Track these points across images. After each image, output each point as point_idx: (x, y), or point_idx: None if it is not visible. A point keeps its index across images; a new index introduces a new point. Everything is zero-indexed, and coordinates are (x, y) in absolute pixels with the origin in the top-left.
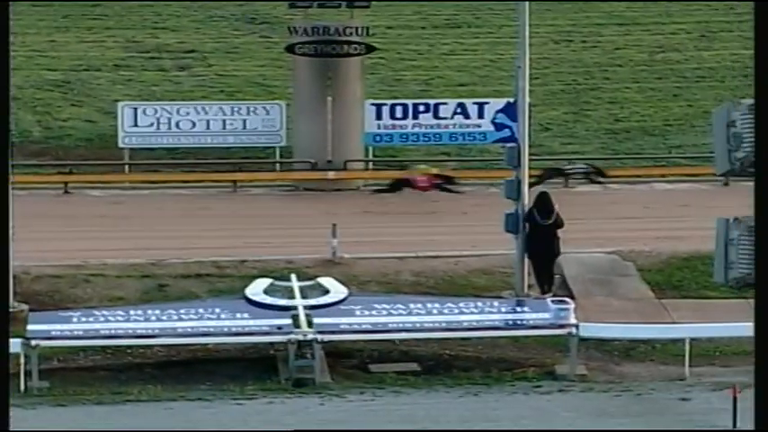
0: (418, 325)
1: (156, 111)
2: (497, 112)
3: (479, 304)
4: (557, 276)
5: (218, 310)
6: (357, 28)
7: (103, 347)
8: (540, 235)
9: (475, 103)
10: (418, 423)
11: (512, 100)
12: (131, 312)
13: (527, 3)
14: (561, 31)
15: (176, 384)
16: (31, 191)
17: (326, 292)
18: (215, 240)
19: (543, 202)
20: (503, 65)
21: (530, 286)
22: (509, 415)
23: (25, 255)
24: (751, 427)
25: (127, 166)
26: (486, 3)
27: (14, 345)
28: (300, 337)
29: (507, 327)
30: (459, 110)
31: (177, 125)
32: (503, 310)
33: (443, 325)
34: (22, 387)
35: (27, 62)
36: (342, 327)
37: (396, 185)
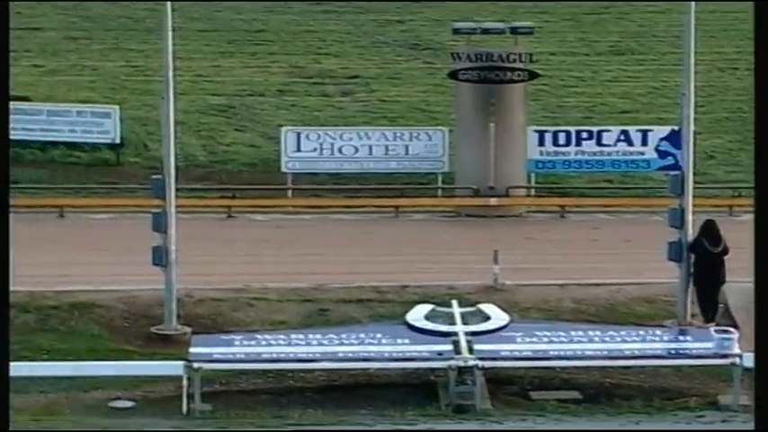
0: (579, 353)
1: (318, 136)
2: (661, 139)
3: (641, 333)
4: (720, 306)
5: (378, 336)
6: (520, 54)
7: (265, 371)
8: (707, 263)
9: (638, 131)
10: None
11: (676, 127)
12: (293, 336)
13: (692, 28)
14: (726, 59)
15: (337, 409)
16: (195, 214)
17: (487, 318)
18: (376, 265)
19: (711, 230)
20: (667, 92)
21: (693, 315)
22: None
23: (188, 278)
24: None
25: (289, 191)
26: (651, 30)
27: (177, 367)
28: (461, 364)
29: (670, 356)
30: (622, 137)
31: (340, 150)
32: (665, 338)
33: (605, 353)
34: (185, 409)
35: (192, 87)
36: (503, 353)
37: None
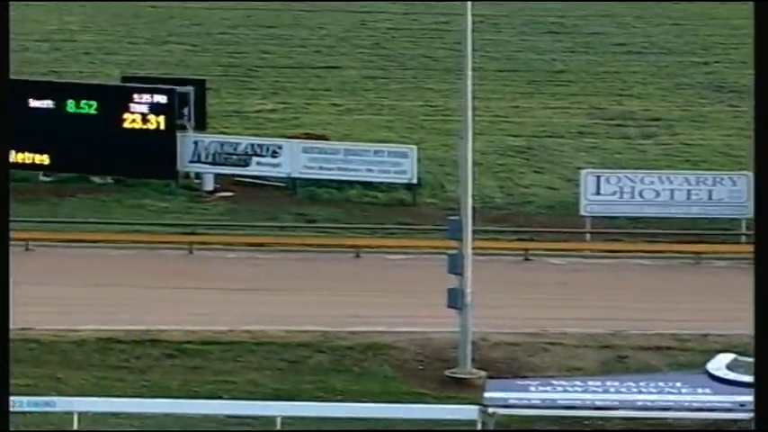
0: None
1: (619, 179)
2: None
3: None
4: None
5: (678, 384)
6: None
7: (561, 418)
8: None
9: None
10: None
11: None
12: (590, 383)
13: None
14: None
15: None
16: (490, 257)
17: None
18: (676, 313)
19: None
20: None
21: None
22: None
23: (484, 321)
24: None
25: (588, 235)
26: None
27: (471, 412)
28: None
29: None
30: None
31: (640, 194)
32: None
33: None
34: None
35: (490, 127)
36: None
37: None
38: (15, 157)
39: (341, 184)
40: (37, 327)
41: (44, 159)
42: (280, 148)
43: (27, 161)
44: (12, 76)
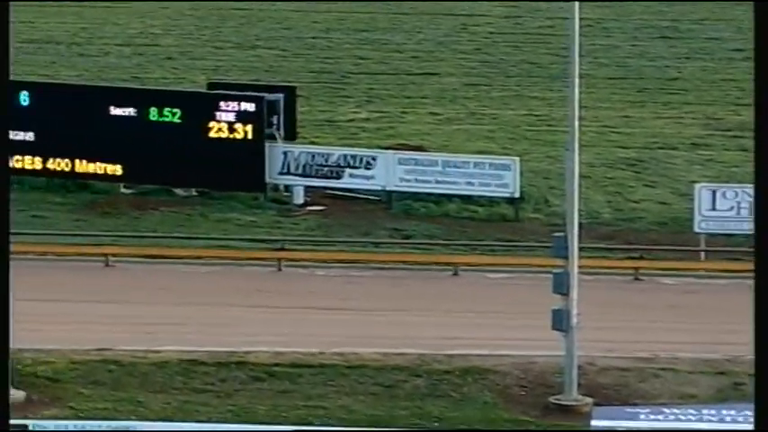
0: None
1: (736, 194)
2: None
3: None
4: None
5: None
6: None
7: None
8: None
9: None
10: None
11: None
12: (704, 412)
13: None
14: None
15: None
16: (598, 276)
17: None
18: None
19: None
20: None
21: None
22: None
23: (591, 344)
24: None
25: (702, 253)
26: None
27: None
28: None
29: None
30: None
31: None
32: None
33: None
34: None
35: (598, 138)
36: None
37: None
38: (94, 167)
39: (439, 198)
40: (116, 347)
41: (124, 170)
42: (374, 159)
43: (107, 172)
44: (92, 83)
